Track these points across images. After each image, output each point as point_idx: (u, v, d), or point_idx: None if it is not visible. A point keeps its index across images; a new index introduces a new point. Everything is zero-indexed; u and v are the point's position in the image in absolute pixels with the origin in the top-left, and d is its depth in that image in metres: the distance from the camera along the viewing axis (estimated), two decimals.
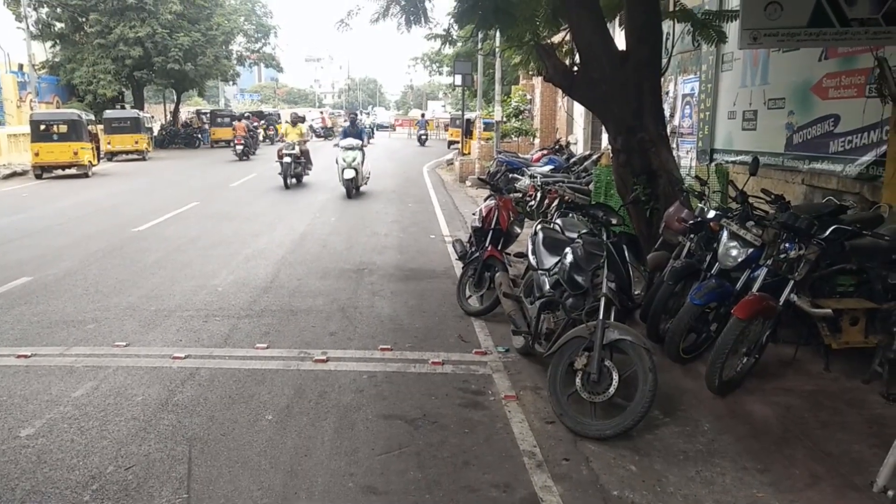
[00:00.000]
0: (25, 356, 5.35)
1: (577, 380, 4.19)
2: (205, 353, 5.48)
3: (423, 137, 39.47)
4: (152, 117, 34.23)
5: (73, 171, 20.40)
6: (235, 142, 26.34)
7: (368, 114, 60.29)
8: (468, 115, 25.72)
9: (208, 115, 37.96)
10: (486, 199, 7.56)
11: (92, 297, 7.08)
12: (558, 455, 3.87)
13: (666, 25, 7.40)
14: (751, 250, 4.88)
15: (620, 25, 8.49)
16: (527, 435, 4.11)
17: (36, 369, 5.12)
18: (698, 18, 7.40)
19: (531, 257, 5.52)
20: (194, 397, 4.62)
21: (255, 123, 32.94)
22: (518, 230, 7.15)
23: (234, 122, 30.56)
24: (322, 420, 4.30)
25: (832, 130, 7.06)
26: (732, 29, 7.08)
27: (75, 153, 20.01)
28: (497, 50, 13.04)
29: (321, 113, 55.24)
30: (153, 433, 4.08)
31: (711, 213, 5.50)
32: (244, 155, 26.06)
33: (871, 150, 6.45)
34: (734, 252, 4.96)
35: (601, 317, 4.25)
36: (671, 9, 7.63)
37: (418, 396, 4.67)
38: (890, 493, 3.01)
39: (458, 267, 7.96)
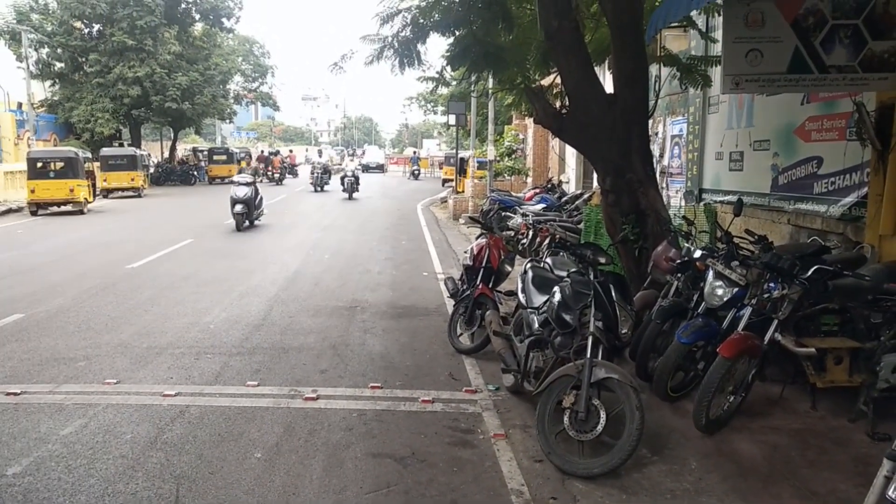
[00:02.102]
0: (15, 394, 5.34)
1: (565, 418, 4.22)
2: (195, 391, 5.49)
3: (416, 172, 44.97)
4: (149, 155, 34.71)
5: (68, 207, 20.47)
6: (273, 171, 37.68)
7: (354, 155, 47.85)
8: (462, 153, 26.04)
9: (205, 153, 38.97)
10: (477, 238, 7.63)
11: (84, 335, 7.08)
12: (546, 494, 3.88)
13: (654, 69, 7.61)
14: (736, 290, 4.95)
15: (609, 68, 8.69)
16: (515, 473, 4.12)
17: (25, 407, 5.11)
18: (684, 63, 7.61)
19: (520, 296, 5.57)
20: (183, 435, 4.62)
21: (287, 157, 42.05)
22: (509, 268, 7.21)
23: (271, 157, 40.09)
24: (311, 458, 4.30)
25: (815, 172, 7.22)
26: (717, 73, 7.28)
27: (71, 190, 20.10)
28: (490, 91, 13.29)
29: (274, 153, 42.37)
30: (141, 472, 4.07)
31: (697, 253, 5.58)
32: (279, 181, 36.17)
33: (854, 192, 6.60)
34: (720, 291, 5.03)
35: (589, 355, 4.29)
36: (658, 53, 7.85)
37: (408, 435, 4.68)
38: None
39: (450, 304, 7.99)
